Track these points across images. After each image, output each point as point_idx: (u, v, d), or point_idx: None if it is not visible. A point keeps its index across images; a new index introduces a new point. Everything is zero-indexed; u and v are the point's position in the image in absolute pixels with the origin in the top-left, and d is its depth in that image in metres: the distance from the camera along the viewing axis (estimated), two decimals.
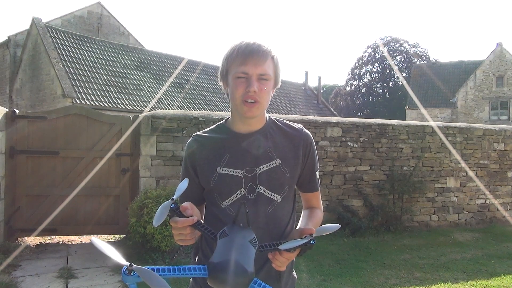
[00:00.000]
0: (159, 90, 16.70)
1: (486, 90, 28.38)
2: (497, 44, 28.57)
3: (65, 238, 5.76)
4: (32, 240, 5.57)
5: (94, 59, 15.91)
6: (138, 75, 16.90)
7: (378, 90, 43.84)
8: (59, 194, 5.32)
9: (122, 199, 5.60)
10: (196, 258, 1.43)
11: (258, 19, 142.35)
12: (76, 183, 5.30)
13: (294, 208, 1.45)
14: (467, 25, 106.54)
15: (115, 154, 5.52)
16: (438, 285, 4.38)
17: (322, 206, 1.50)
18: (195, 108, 17.01)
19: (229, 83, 1.33)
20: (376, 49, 42.16)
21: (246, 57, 1.28)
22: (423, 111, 26.56)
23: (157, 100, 16.08)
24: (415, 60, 39.81)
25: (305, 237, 1.16)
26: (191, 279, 1.41)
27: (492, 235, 6.75)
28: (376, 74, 43.49)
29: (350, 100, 43.21)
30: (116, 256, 1.05)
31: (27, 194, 5.34)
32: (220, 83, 1.40)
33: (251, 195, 1.32)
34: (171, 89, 17.44)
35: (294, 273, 1.49)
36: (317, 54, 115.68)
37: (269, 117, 1.44)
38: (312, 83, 34.18)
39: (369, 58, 42.70)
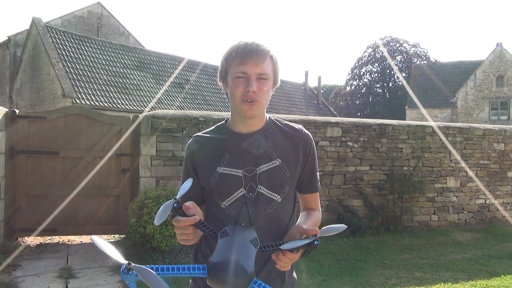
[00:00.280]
0: (159, 90, 16.70)
1: (486, 90, 28.37)
2: (497, 44, 28.58)
3: (65, 238, 5.77)
4: (32, 240, 5.57)
5: (94, 59, 15.91)
6: (138, 75, 16.90)
7: (378, 90, 43.85)
8: (59, 194, 5.32)
9: (122, 199, 5.60)
10: (196, 259, 1.43)
11: (258, 19, 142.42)
12: (76, 183, 5.31)
13: (294, 208, 1.45)
14: (467, 25, 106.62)
15: (115, 154, 5.52)
16: (438, 285, 4.38)
17: (320, 208, 1.50)
18: (195, 108, 17.01)
19: (228, 83, 1.33)
20: (376, 49, 42.16)
21: (245, 57, 1.28)
22: (423, 111, 26.56)
23: (157, 100, 16.08)
24: (415, 60, 39.80)
25: (309, 237, 1.13)
26: (190, 279, 1.41)
27: (492, 235, 6.75)
28: (376, 74, 43.50)
29: (350, 100, 43.21)
30: (115, 255, 1.05)
31: (27, 194, 5.34)
32: (220, 84, 1.39)
33: (251, 194, 1.32)
34: (171, 89, 17.45)
35: (294, 274, 1.48)
36: (317, 54, 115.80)
37: (269, 117, 1.44)
38: (312, 83, 34.24)
39: (369, 58, 42.71)
